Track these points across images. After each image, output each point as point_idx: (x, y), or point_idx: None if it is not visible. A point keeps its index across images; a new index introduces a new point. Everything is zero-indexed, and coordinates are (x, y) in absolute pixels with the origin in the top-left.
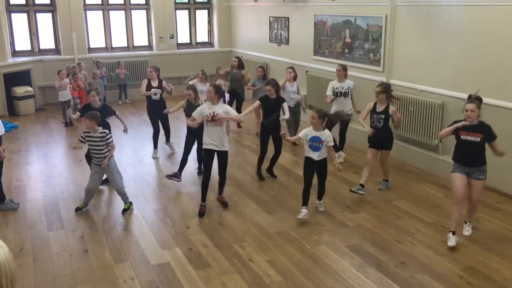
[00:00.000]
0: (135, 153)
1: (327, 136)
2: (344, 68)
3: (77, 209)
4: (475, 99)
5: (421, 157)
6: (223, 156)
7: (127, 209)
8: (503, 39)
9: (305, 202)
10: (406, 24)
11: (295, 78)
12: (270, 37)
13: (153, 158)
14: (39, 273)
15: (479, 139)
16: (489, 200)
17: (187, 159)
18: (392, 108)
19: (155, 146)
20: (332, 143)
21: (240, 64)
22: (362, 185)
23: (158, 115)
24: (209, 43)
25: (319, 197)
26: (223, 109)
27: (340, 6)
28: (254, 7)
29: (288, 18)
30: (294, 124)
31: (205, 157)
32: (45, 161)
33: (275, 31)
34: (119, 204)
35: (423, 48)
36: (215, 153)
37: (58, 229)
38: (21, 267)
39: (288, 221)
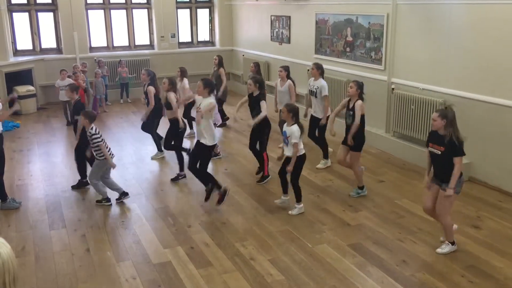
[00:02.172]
0: (137, 152)
1: (291, 132)
2: (317, 67)
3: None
4: (442, 111)
5: (422, 155)
6: (200, 148)
7: (100, 201)
8: (505, 37)
9: (283, 190)
10: (408, 23)
11: (288, 77)
12: (271, 36)
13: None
14: (41, 272)
15: (439, 152)
16: (491, 199)
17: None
18: (359, 103)
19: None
20: (294, 141)
21: (220, 62)
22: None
23: (150, 118)
24: (211, 42)
25: (295, 198)
26: (206, 102)
27: (342, 4)
28: (256, 6)
29: (290, 16)
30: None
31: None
32: (46, 160)
33: (277, 29)
34: (121, 203)
35: (424, 47)
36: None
37: (60, 228)
38: (23, 266)
39: (289, 220)
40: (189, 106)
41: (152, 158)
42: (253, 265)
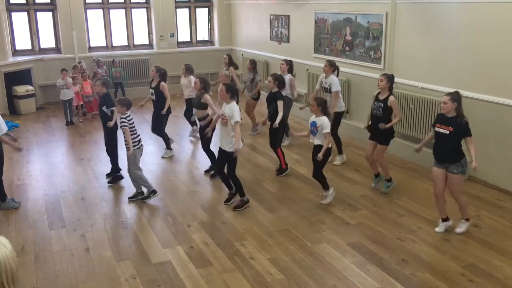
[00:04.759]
0: None
1: (322, 122)
2: (331, 64)
3: (144, 198)
4: (453, 94)
5: (422, 154)
6: (225, 154)
7: (132, 197)
8: (503, 36)
9: (323, 187)
10: (407, 22)
11: (290, 71)
12: (270, 35)
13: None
14: (41, 272)
15: (448, 132)
16: (490, 198)
17: (211, 152)
18: (392, 99)
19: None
20: (326, 130)
21: (230, 62)
22: (376, 175)
23: (154, 115)
24: (210, 42)
25: (323, 187)
26: (229, 109)
27: (341, 4)
28: (255, 5)
29: (289, 16)
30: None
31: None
32: (46, 160)
33: (276, 29)
34: (121, 203)
35: (423, 46)
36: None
37: (60, 228)
38: (22, 266)
39: (289, 219)
40: (190, 104)
41: (163, 157)
42: (253, 264)
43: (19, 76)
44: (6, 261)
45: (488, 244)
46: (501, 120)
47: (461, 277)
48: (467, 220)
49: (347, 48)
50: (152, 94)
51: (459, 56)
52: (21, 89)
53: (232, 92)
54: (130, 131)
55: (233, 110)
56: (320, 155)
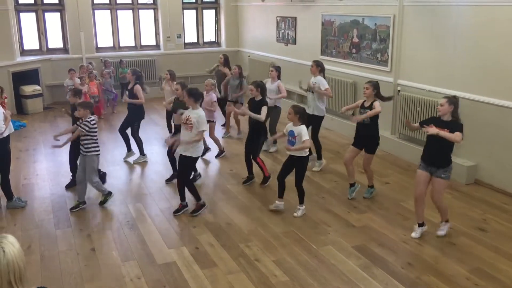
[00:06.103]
0: None
1: (300, 131)
2: (318, 64)
3: (72, 208)
4: (450, 97)
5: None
6: (181, 161)
7: (104, 201)
8: (510, 39)
9: (278, 194)
10: (414, 24)
11: (279, 77)
12: (277, 37)
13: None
14: (46, 271)
15: None
16: (496, 202)
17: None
18: (377, 103)
19: (128, 149)
20: (305, 138)
21: (226, 61)
22: (352, 184)
23: (127, 118)
24: (216, 43)
25: (299, 200)
26: (195, 115)
27: (348, 6)
28: (262, 7)
29: (296, 18)
30: (270, 126)
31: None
32: (52, 159)
33: (282, 31)
34: (126, 203)
35: (431, 48)
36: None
37: (66, 227)
38: (28, 265)
39: (294, 221)
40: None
41: (134, 162)
42: (258, 266)
43: (26, 76)
44: (14, 260)
45: (494, 248)
46: (508, 124)
47: (466, 281)
48: (447, 221)
49: (354, 50)
50: (126, 96)
51: (466, 58)
52: (28, 89)
53: (195, 97)
54: (91, 136)
55: (199, 116)
56: (292, 147)
